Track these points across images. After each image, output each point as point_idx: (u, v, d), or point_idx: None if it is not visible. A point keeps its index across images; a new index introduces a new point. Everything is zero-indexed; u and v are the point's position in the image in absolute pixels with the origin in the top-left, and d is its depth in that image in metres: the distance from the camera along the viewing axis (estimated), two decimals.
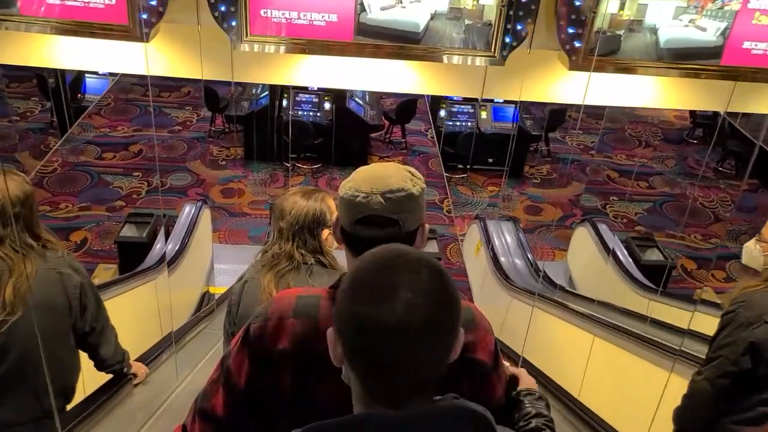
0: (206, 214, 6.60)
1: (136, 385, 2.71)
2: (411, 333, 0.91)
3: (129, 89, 10.81)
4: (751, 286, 2.30)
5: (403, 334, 0.91)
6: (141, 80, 11.13)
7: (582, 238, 7.17)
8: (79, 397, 2.44)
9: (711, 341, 2.35)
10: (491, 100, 9.24)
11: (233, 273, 6.82)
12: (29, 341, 2.05)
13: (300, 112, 8.93)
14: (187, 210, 6.16)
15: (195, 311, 5.70)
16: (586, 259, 7.02)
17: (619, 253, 6.37)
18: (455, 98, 9.35)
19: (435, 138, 9.75)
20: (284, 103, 8.87)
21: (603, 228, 6.88)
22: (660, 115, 11.69)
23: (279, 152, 8.70)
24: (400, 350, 0.91)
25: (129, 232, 5.87)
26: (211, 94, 9.20)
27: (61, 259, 2.21)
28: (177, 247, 5.24)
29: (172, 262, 5.06)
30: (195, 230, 5.74)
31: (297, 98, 9.01)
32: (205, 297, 6.42)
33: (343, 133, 8.83)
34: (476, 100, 9.25)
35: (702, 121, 10.70)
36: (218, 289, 6.49)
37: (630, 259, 6.33)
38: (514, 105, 9.27)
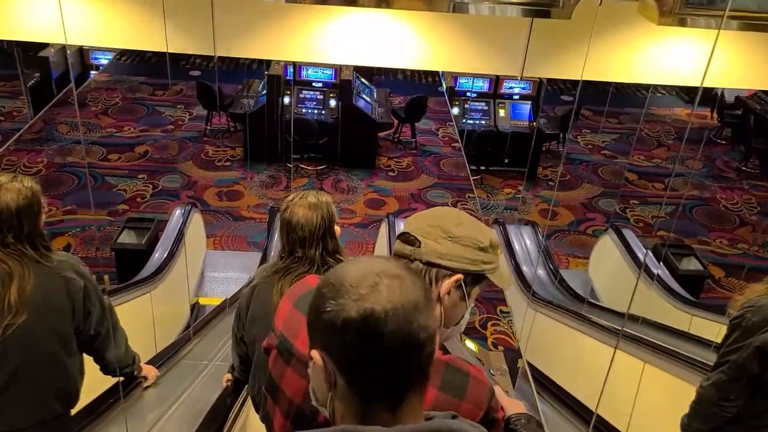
0: (197, 219, 6.06)
1: (146, 387, 2.69)
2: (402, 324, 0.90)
3: (137, 88, 10.32)
4: (758, 291, 2.30)
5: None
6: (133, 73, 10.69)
7: (607, 245, 6.62)
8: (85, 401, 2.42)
9: (719, 347, 2.35)
10: (510, 97, 8.69)
11: (226, 282, 6.36)
12: (32, 345, 2.10)
13: (304, 110, 8.39)
14: (177, 214, 5.61)
15: (186, 325, 5.16)
16: (611, 269, 6.45)
17: (650, 263, 5.83)
18: (469, 95, 8.82)
19: (456, 135, 9.14)
20: (286, 100, 8.34)
21: (631, 235, 6.33)
22: (673, 114, 11.13)
23: (282, 153, 8.16)
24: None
25: (128, 238, 5.32)
26: (206, 91, 8.68)
27: (65, 263, 2.21)
28: (165, 256, 4.69)
29: (159, 271, 4.52)
30: (185, 236, 5.20)
31: (300, 95, 8.49)
32: (196, 308, 5.88)
33: (350, 132, 8.28)
34: (492, 96, 8.71)
35: (730, 120, 10.09)
36: (211, 300, 5.97)
37: (665, 270, 5.78)
38: (530, 102, 8.73)
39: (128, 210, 7.21)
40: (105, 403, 2.53)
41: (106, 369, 2.43)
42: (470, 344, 4.87)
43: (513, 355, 5.27)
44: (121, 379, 2.52)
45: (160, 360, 2.92)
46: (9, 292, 2.05)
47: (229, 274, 6.44)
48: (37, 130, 8.78)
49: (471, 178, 8.32)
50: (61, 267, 2.19)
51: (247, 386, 2.44)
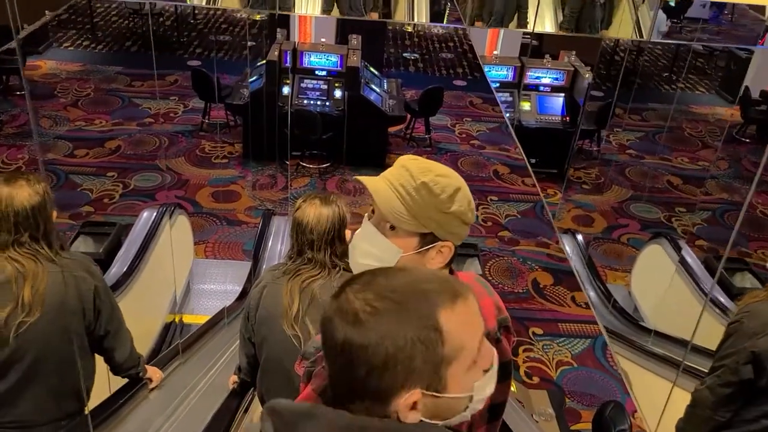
0: (181, 222, 5.14)
1: (151, 389, 2.70)
2: None
3: (112, 78, 9.43)
4: (758, 297, 2.31)
5: None
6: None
7: (653, 258, 5.69)
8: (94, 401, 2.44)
9: (716, 351, 2.36)
10: (536, 88, 7.74)
11: (215, 296, 5.48)
12: (43, 343, 2.13)
13: (305, 101, 7.46)
14: (145, 217, 4.62)
15: (153, 350, 4.23)
16: (662, 286, 5.50)
17: (702, 278, 4.90)
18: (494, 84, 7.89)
19: (511, 132, 8.19)
20: (285, 90, 7.41)
21: (685, 247, 5.40)
22: (716, 113, 10.21)
23: (280, 149, 7.23)
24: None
25: (83, 246, 4.40)
26: (203, 80, 7.77)
27: (76, 262, 2.22)
28: (125, 269, 3.76)
29: (117, 287, 3.59)
30: (156, 243, 4.30)
31: (302, 85, 7.56)
32: (179, 327, 4.96)
33: (357, 126, 7.35)
34: (516, 87, 7.76)
35: (757, 117, 9.11)
36: (197, 318, 5.06)
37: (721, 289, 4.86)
38: (563, 94, 7.78)
39: (93, 212, 6.31)
40: (114, 404, 2.54)
41: (116, 369, 2.47)
42: None
43: (559, 396, 4.34)
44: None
45: None
46: (23, 291, 2.06)
47: (214, 287, 5.55)
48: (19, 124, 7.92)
49: (535, 183, 7.36)
50: (73, 266, 2.19)
51: (253, 389, 2.55)
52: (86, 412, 2.38)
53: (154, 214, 4.48)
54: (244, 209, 6.78)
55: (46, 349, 2.14)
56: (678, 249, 5.30)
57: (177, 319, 4.92)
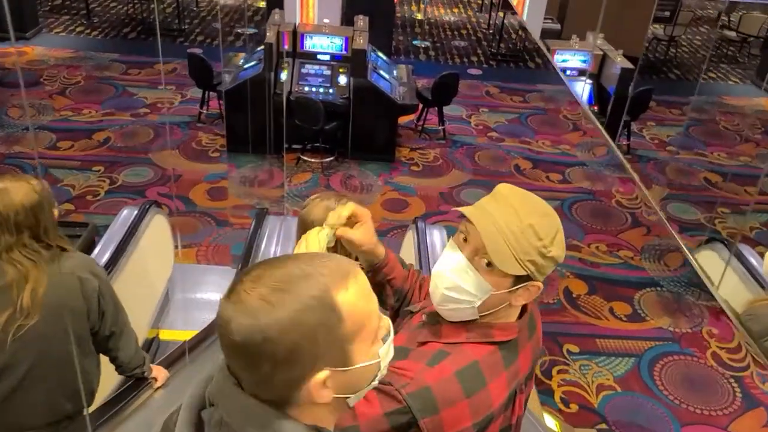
0: (159, 222, 4.41)
1: (157, 389, 2.68)
2: None
3: (105, 66, 8.75)
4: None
5: None
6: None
7: (707, 267, 4.92)
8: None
9: None
10: (563, 72, 6.98)
11: (201, 307, 4.79)
12: (43, 346, 2.11)
13: (306, 88, 6.71)
14: (124, 216, 4.01)
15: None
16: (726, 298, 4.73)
17: None
18: None
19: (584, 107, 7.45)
20: (283, 76, 6.67)
21: (751, 253, 4.63)
22: (755, 105, 9.45)
23: (275, 141, 6.50)
24: None
25: None
26: (200, 67, 7.10)
27: (80, 262, 2.21)
28: None
29: None
30: (135, 246, 3.76)
31: (303, 70, 6.81)
32: (155, 344, 4.26)
33: (364, 116, 6.64)
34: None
35: None
36: (176, 334, 4.35)
37: None
38: (590, 80, 7.02)
39: (74, 210, 5.63)
40: (119, 403, 2.53)
41: (121, 369, 2.46)
42: (549, 420, 3.15)
43: None
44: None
45: None
46: (22, 295, 2.03)
47: (198, 296, 4.85)
48: None
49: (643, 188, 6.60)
50: (76, 267, 2.16)
51: None
52: (88, 412, 2.38)
53: (135, 212, 3.86)
54: (236, 207, 6.05)
55: (46, 351, 2.13)
56: (739, 256, 4.53)
57: (150, 335, 4.20)
